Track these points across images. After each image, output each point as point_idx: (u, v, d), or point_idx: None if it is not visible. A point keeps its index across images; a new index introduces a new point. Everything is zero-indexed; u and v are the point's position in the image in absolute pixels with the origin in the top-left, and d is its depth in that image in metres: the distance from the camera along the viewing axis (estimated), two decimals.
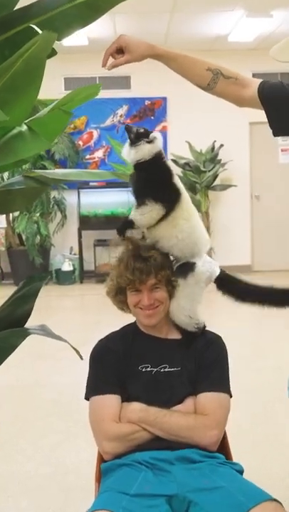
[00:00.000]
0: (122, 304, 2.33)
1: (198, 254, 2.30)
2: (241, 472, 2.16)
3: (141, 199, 2.23)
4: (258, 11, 8.13)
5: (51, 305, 8.94)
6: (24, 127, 1.96)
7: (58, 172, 2.18)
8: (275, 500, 1.90)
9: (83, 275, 10.16)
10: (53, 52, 1.96)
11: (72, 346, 1.91)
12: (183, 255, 2.28)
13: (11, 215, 9.92)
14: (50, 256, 10.27)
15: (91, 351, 2.34)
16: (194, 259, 2.28)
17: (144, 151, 2.20)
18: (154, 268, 2.19)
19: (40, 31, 1.84)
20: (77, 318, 7.24)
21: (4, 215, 9.83)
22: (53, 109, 2.04)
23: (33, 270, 9.57)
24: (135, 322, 2.37)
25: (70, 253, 10.39)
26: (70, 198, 10.21)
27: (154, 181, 2.25)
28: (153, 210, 2.21)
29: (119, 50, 2.17)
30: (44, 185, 2.15)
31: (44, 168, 9.43)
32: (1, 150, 1.87)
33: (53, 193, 10.07)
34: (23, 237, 9.76)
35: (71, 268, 10.10)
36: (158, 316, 2.26)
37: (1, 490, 3.36)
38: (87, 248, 10.19)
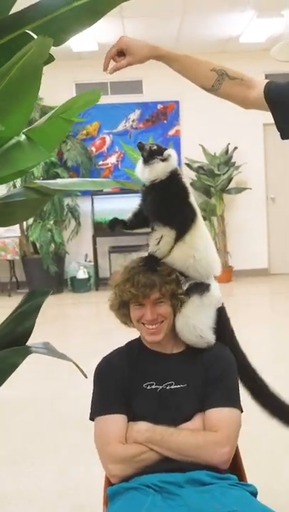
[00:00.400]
0: (126, 318, 2.24)
1: (212, 275, 2.24)
2: (255, 494, 2.05)
3: (151, 225, 2.19)
4: (269, 11, 8.04)
5: (67, 313, 8.90)
6: (22, 137, 1.88)
7: (60, 182, 2.09)
8: None
9: (98, 282, 10.09)
10: (50, 59, 1.89)
11: (76, 365, 1.82)
12: (199, 276, 2.20)
13: (24, 223, 9.89)
14: (64, 264, 10.20)
15: (95, 369, 2.26)
16: (209, 281, 2.22)
17: (159, 170, 2.14)
18: (158, 282, 2.11)
19: (35, 36, 1.77)
20: (93, 327, 7.15)
21: (18, 224, 9.80)
22: (52, 117, 1.96)
23: (48, 278, 9.53)
24: (140, 337, 2.28)
25: (85, 260, 10.34)
26: (84, 204, 10.16)
27: (168, 202, 2.17)
28: (164, 236, 2.14)
29: (120, 53, 2.09)
30: (46, 196, 2.08)
31: (57, 175, 9.40)
32: None
33: (67, 200, 10.02)
34: (37, 246, 9.70)
35: (86, 275, 10.04)
36: (162, 332, 2.17)
37: (13, 507, 3.28)
38: (102, 255, 10.13)
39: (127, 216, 2.28)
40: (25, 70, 1.67)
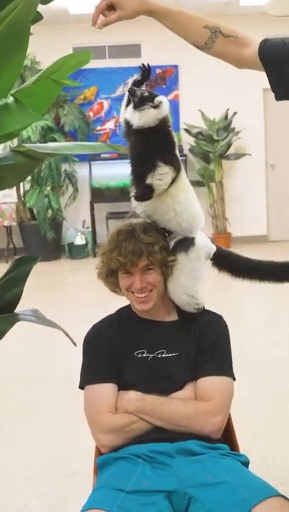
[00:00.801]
0: (115, 287, 2.18)
1: (196, 228, 2.16)
2: (247, 464, 2.03)
3: (151, 162, 2.05)
4: None
5: (64, 280, 8.88)
6: (10, 99, 1.83)
7: (50, 146, 2.04)
8: (282, 495, 1.79)
9: (96, 248, 10.03)
10: (38, 17, 1.83)
11: (65, 333, 1.79)
12: (181, 230, 2.13)
13: (21, 189, 9.82)
14: (62, 230, 10.15)
15: (84, 337, 2.21)
16: (192, 234, 2.15)
17: (150, 116, 2.04)
18: (146, 249, 2.04)
19: None
20: (91, 294, 7.13)
21: (15, 190, 9.73)
22: (41, 79, 1.90)
23: (46, 245, 9.51)
24: (130, 304, 2.22)
25: (83, 227, 10.29)
26: (81, 170, 10.08)
27: (159, 146, 2.09)
28: (167, 173, 2.06)
29: (110, 7, 2.00)
30: (36, 160, 2.03)
31: (54, 140, 9.31)
32: None
33: (64, 166, 9.93)
34: (35, 212, 9.65)
35: (84, 242, 10.01)
36: (151, 301, 2.11)
37: (6, 476, 3.28)
38: (100, 221, 10.09)
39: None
40: (13, 29, 1.62)
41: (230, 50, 2.06)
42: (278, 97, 2.06)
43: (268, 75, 2.02)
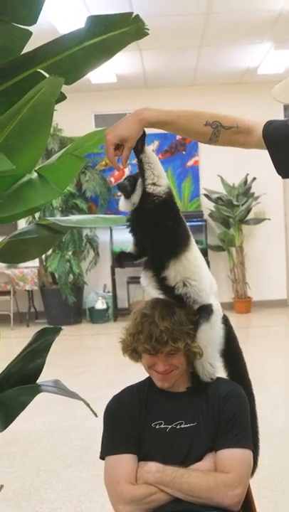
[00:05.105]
0: (137, 360, 2.20)
1: (212, 294, 2.20)
2: None
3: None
4: (286, 43, 8.06)
5: (85, 344, 8.88)
6: (34, 174, 1.89)
7: (72, 219, 2.10)
8: None
9: (117, 313, 10.08)
10: (62, 97, 1.90)
11: (86, 403, 1.81)
12: (200, 298, 2.15)
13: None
14: (83, 294, 10.19)
15: (105, 408, 2.23)
16: (209, 301, 2.17)
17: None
18: (170, 339, 2.05)
19: (47, 75, 1.78)
20: (112, 358, 7.12)
21: None
22: (64, 155, 1.97)
23: (67, 309, 9.54)
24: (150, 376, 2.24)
25: (104, 291, 10.32)
26: (103, 235, 10.16)
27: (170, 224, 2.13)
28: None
29: (118, 146, 2.06)
30: (58, 233, 2.08)
31: (76, 206, 9.45)
32: (10, 199, 1.80)
33: (86, 231, 10.03)
34: (56, 276, 9.72)
35: (105, 306, 10.02)
36: (172, 379, 2.14)
37: None
38: (121, 286, 10.13)
39: (129, 248, 2.23)
40: (37, 109, 1.68)
41: (236, 139, 2.11)
42: (284, 176, 2.10)
43: (271, 156, 2.07)
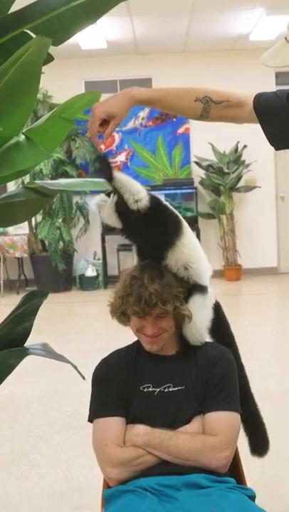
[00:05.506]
0: (126, 323, 2.22)
1: (208, 277, 2.24)
2: (253, 498, 2.04)
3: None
4: (278, 9, 7.98)
5: (75, 311, 8.91)
6: (22, 137, 1.87)
7: (61, 182, 2.08)
8: None
9: (107, 280, 10.10)
10: (49, 58, 1.88)
11: (74, 367, 1.81)
12: (200, 280, 2.19)
13: (33, 221, 9.89)
14: (73, 262, 10.20)
15: (93, 371, 2.25)
16: (207, 283, 2.22)
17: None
18: (160, 301, 2.06)
19: (34, 36, 1.76)
20: (102, 325, 7.14)
21: (26, 222, 9.79)
22: (52, 117, 1.95)
23: (57, 276, 9.55)
24: (139, 340, 2.25)
25: (94, 258, 10.34)
26: (93, 202, 10.07)
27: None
28: None
29: (103, 121, 2.04)
30: (46, 197, 2.07)
31: (66, 173, 9.39)
32: None
33: (76, 198, 10.00)
34: (46, 243, 9.70)
35: (95, 273, 10.04)
36: (160, 342, 2.16)
37: (15, 509, 3.27)
38: (111, 253, 10.12)
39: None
40: (24, 70, 1.66)
41: (226, 113, 2.10)
42: (277, 148, 2.10)
43: (262, 128, 2.06)
